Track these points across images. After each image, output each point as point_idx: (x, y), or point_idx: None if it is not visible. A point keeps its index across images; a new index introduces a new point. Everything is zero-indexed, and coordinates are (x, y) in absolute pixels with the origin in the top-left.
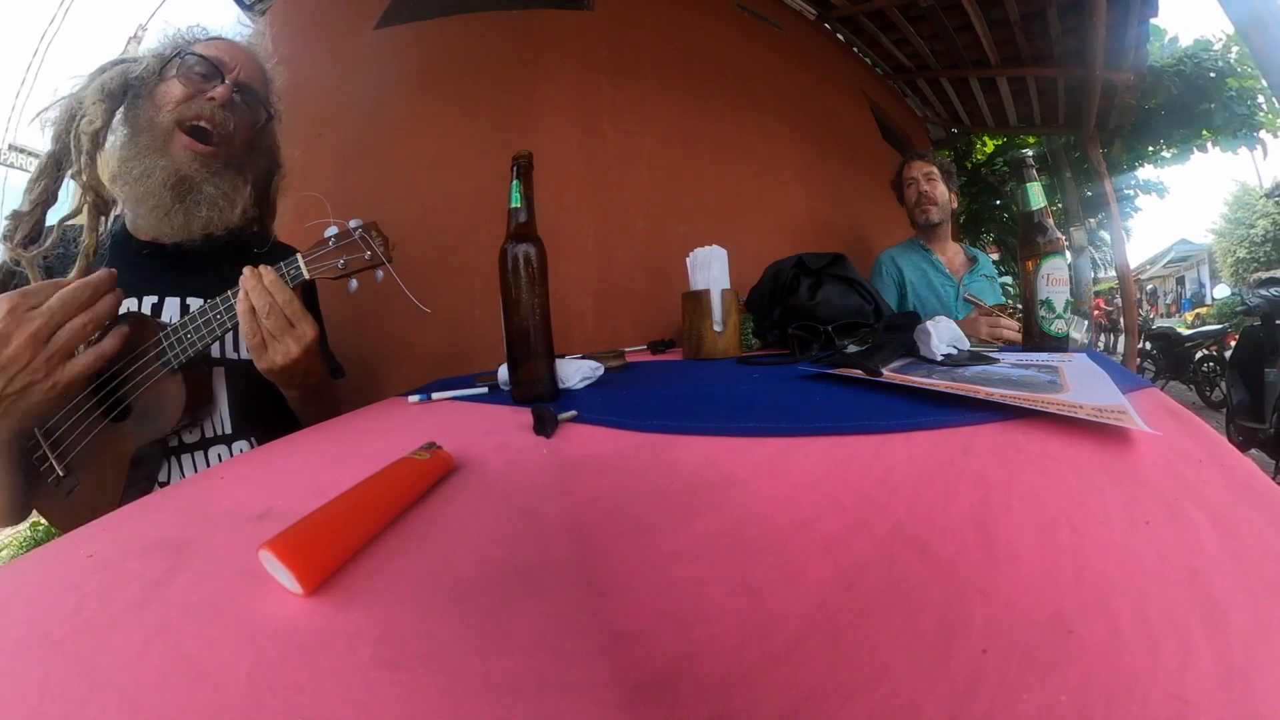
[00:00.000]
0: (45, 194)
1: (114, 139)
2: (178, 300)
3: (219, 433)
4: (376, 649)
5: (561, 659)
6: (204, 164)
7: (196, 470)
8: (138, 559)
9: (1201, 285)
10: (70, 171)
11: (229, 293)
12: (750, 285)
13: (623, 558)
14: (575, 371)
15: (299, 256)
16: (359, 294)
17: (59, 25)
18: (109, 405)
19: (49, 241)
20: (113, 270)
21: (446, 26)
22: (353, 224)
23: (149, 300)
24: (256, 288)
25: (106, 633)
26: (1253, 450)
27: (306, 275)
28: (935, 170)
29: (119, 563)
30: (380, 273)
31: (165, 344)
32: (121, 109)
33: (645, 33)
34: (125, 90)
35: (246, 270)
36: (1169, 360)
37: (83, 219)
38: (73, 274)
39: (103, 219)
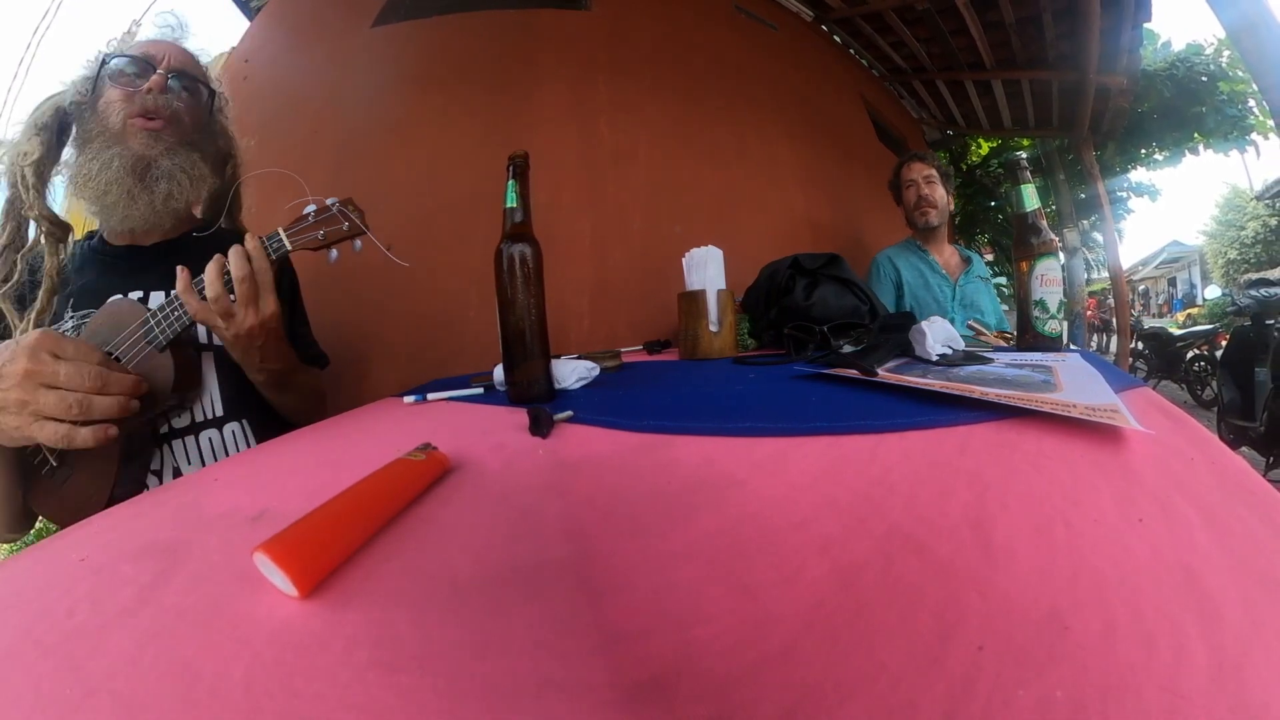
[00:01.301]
0: (11, 236)
1: (71, 156)
2: (161, 295)
3: (209, 416)
4: (373, 651)
5: (559, 659)
6: (157, 139)
7: (188, 455)
8: (130, 562)
9: (1193, 286)
10: (24, 209)
11: (224, 263)
12: (746, 286)
13: (620, 558)
14: (571, 372)
15: (280, 230)
16: (353, 295)
17: (51, 20)
18: None
19: (15, 279)
20: (140, 381)
21: (443, 25)
22: (329, 200)
23: (134, 295)
24: (239, 253)
25: (99, 637)
26: (1243, 448)
27: (289, 247)
28: (935, 173)
29: (111, 566)
30: (359, 243)
31: (151, 322)
32: (72, 134)
33: (642, 33)
34: (59, 118)
35: (245, 240)
36: (1161, 360)
37: (42, 248)
38: (39, 297)
39: (61, 245)
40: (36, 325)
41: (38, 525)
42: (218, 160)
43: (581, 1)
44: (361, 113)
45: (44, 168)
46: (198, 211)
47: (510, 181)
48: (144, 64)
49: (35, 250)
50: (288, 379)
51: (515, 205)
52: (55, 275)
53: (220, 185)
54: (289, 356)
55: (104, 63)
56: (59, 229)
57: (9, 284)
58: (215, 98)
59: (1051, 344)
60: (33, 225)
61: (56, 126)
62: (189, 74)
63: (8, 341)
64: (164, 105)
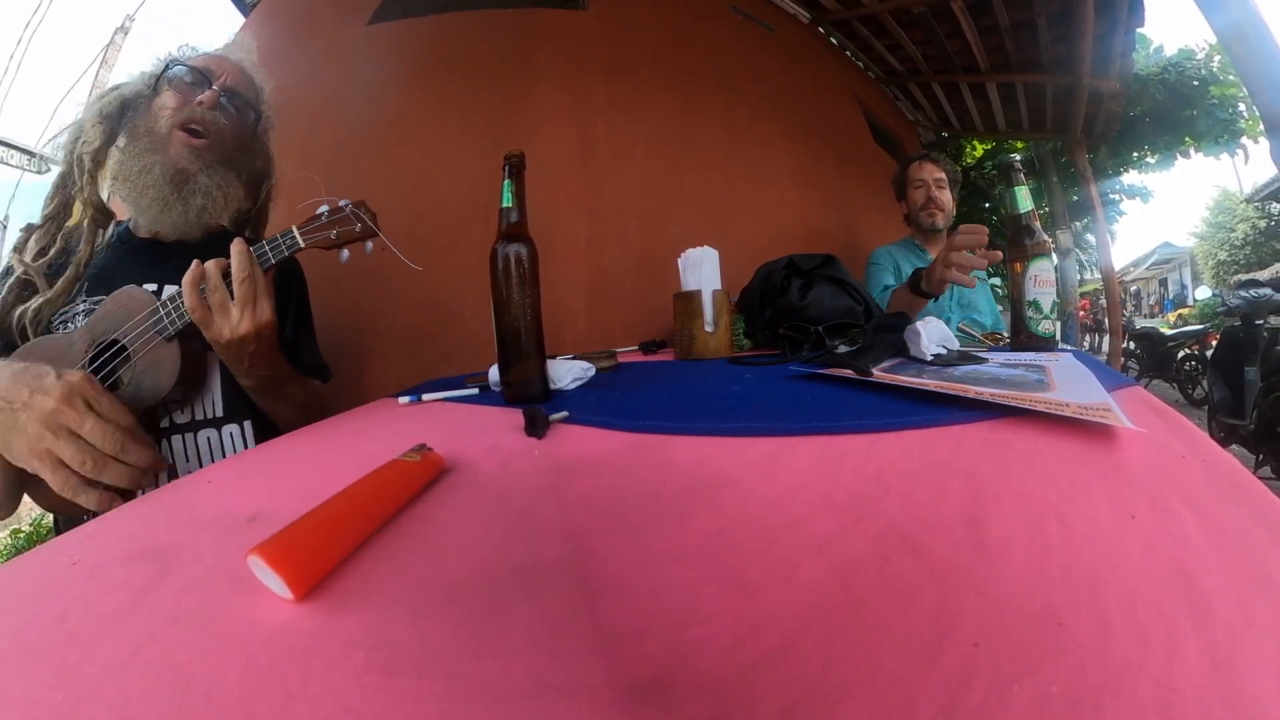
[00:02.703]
0: (57, 210)
1: (116, 148)
2: (175, 289)
3: (210, 415)
4: (370, 654)
5: (556, 660)
6: (198, 156)
7: (186, 452)
8: (123, 566)
9: (1183, 287)
10: (73, 189)
11: (226, 265)
12: (741, 286)
13: (617, 558)
14: (566, 372)
15: (293, 228)
16: (348, 295)
17: (43, 14)
18: (103, 376)
19: (52, 252)
20: (160, 460)
21: (440, 24)
22: (343, 202)
23: (149, 287)
24: (241, 252)
25: (92, 642)
26: (1234, 446)
27: (301, 244)
28: (945, 177)
29: (104, 570)
30: (370, 244)
31: (161, 313)
32: (124, 126)
33: (640, 33)
34: (122, 111)
35: (236, 241)
36: (1152, 359)
37: (83, 231)
38: (60, 283)
39: (101, 232)
40: (44, 313)
41: (28, 530)
42: (253, 180)
43: (579, 1)
44: (357, 111)
45: (101, 156)
46: (225, 223)
47: (506, 181)
48: (202, 77)
49: (76, 230)
50: (278, 387)
51: (511, 205)
52: (83, 265)
53: (252, 204)
54: (280, 364)
55: (167, 66)
56: (103, 216)
57: (47, 256)
58: (260, 121)
59: (1045, 344)
60: (79, 206)
61: (119, 118)
62: (241, 95)
63: (45, 367)
64: (211, 121)
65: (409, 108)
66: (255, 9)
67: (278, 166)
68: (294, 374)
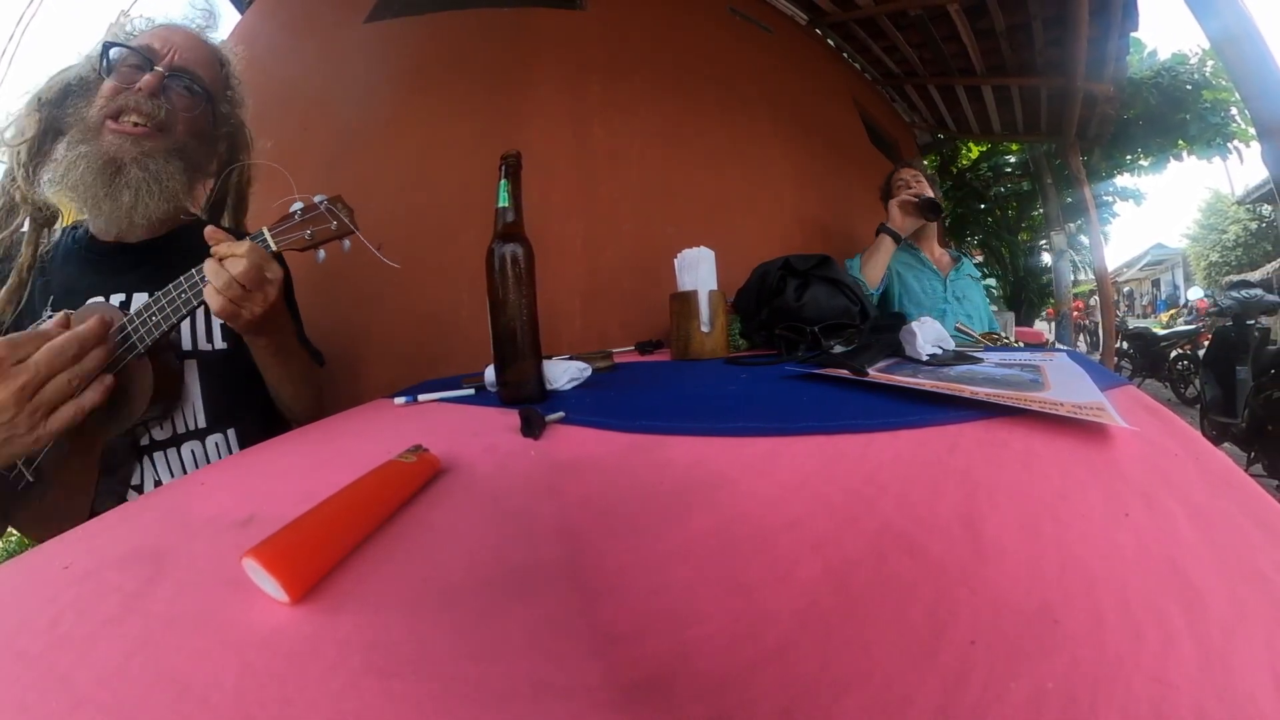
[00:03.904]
0: (3, 212)
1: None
2: (145, 295)
3: (192, 427)
4: (367, 656)
5: (554, 662)
6: (134, 144)
7: (170, 468)
8: (116, 569)
9: (1176, 287)
10: (11, 187)
11: (192, 271)
12: (738, 286)
13: (614, 559)
14: (563, 372)
15: (264, 230)
16: (343, 295)
17: (36, 8)
18: None
19: None
20: (103, 320)
21: (437, 23)
22: (317, 198)
23: (116, 298)
24: (213, 234)
25: (86, 647)
26: (1225, 444)
27: (273, 247)
28: (921, 175)
29: (97, 574)
30: (347, 243)
31: (130, 328)
32: (67, 115)
33: (637, 33)
34: (64, 97)
35: (219, 242)
36: (1145, 359)
37: (22, 234)
38: (1, 293)
39: (46, 232)
40: None
41: (15, 535)
42: (215, 164)
43: (576, 1)
44: (352, 110)
45: (40, 147)
46: (199, 210)
47: (502, 181)
48: (144, 58)
49: (16, 234)
50: (290, 349)
51: (507, 205)
52: (26, 270)
53: (223, 189)
54: (289, 323)
55: (105, 49)
56: (44, 215)
57: None
58: (220, 101)
59: (932, 201)
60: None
61: (60, 105)
62: (194, 74)
63: None
64: (151, 112)
65: (405, 107)
66: (251, 6)
67: (258, 160)
68: (298, 336)
